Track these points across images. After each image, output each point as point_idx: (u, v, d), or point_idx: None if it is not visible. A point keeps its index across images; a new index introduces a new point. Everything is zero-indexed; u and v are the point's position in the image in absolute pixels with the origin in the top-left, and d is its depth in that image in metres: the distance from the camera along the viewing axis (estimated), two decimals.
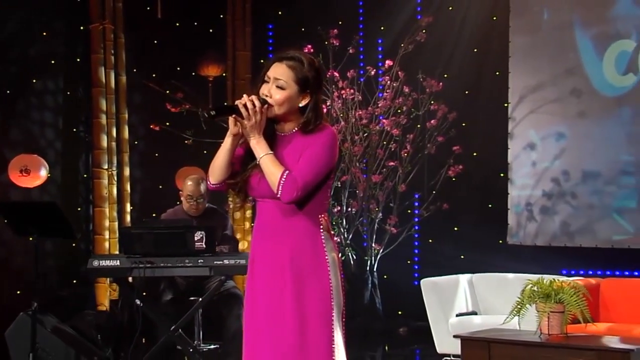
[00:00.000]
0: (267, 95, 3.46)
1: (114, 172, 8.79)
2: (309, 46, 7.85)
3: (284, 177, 3.40)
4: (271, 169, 3.42)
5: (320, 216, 3.53)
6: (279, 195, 3.41)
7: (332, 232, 3.60)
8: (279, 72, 3.48)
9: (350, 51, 8.29)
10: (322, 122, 3.53)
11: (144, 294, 6.44)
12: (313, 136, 3.49)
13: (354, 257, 8.76)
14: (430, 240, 9.21)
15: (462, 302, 7.03)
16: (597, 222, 8.33)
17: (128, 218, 8.90)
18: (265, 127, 3.47)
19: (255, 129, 3.43)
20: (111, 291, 8.58)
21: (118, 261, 6.07)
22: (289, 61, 3.49)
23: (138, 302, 6.06)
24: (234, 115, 3.44)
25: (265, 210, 3.54)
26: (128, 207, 8.93)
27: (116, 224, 8.77)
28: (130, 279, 6.23)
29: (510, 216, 8.79)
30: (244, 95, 3.43)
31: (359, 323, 8.29)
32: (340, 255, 3.60)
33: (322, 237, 3.52)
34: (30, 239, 8.04)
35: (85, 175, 8.84)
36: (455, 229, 9.04)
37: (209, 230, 6.14)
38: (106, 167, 8.73)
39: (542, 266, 7.22)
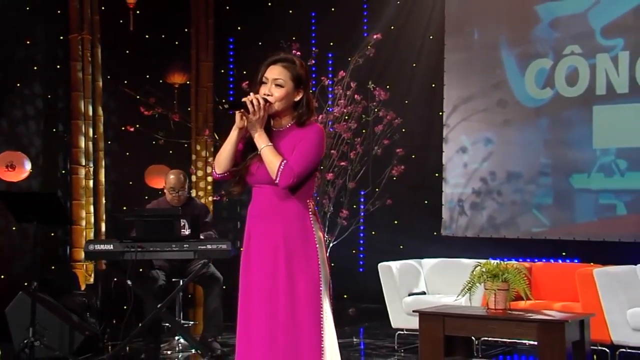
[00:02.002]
0: (268, 95, 3.60)
1: (91, 169, 8.81)
2: None
3: (282, 165, 3.54)
4: (271, 158, 3.56)
5: (308, 201, 3.67)
6: (277, 181, 3.54)
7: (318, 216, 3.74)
8: (276, 72, 3.61)
9: (310, 63, 8.45)
10: (313, 115, 3.68)
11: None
12: (305, 131, 3.63)
13: None
14: (373, 232, 9.36)
15: (413, 283, 7.20)
16: (519, 216, 8.54)
17: (103, 210, 8.93)
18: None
19: (258, 123, 3.57)
20: (87, 276, 8.62)
21: (112, 245, 6.15)
22: (283, 62, 3.63)
23: (129, 282, 6.15)
24: (241, 110, 3.57)
25: (261, 194, 3.65)
26: (103, 201, 8.95)
27: (92, 215, 8.79)
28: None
29: (444, 211, 8.95)
30: (251, 93, 3.57)
31: None
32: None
33: (311, 218, 3.64)
34: (14, 228, 8.10)
35: (64, 171, 8.83)
36: (396, 222, 9.18)
37: (193, 218, 6.27)
38: (83, 164, 8.75)
39: (472, 255, 7.35)
